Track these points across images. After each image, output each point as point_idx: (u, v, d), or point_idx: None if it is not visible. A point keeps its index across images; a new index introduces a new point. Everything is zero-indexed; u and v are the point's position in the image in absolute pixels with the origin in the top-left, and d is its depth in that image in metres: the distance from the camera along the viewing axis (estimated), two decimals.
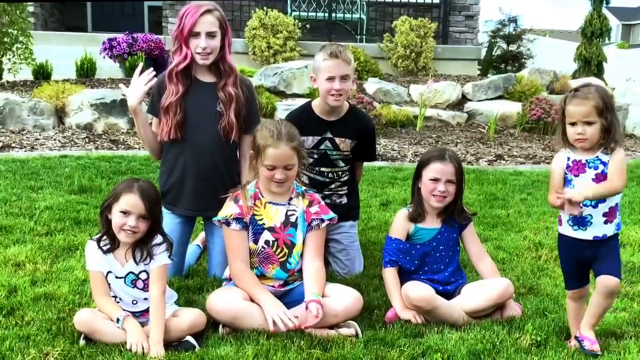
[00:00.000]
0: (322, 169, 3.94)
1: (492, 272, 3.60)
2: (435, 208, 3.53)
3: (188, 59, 3.64)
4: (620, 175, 2.82)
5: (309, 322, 3.06)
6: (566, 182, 2.93)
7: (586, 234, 2.91)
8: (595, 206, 2.88)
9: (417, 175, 3.57)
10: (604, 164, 2.84)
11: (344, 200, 4.03)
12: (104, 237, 3.07)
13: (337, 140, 3.89)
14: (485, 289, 3.37)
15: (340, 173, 3.98)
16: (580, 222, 2.91)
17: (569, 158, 2.91)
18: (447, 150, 3.57)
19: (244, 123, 3.74)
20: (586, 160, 2.87)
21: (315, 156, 3.90)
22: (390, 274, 3.52)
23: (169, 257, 3.12)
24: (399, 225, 3.60)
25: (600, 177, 2.84)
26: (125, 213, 2.98)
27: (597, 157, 2.85)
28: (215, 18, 3.63)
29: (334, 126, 3.88)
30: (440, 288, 3.46)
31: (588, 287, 3.08)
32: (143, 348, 2.84)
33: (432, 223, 3.58)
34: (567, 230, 2.96)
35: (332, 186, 3.99)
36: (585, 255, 2.95)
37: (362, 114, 4.19)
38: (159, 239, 3.11)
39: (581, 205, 2.85)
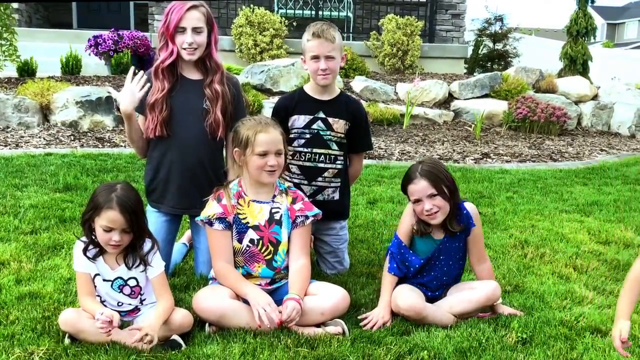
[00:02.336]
0: (315, 149, 3.80)
1: (487, 277, 3.51)
2: (436, 225, 3.38)
3: (174, 55, 3.62)
4: None
5: (290, 318, 3.04)
6: None
7: None
8: None
9: (407, 196, 3.42)
10: None
11: (337, 196, 3.91)
12: (90, 246, 3.02)
13: (330, 120, 3.80)
14: (472, 292, 3.34)
15: (333, 157, 3.84)
16: None
17: None
18: (420, 164, 3.36)
19: (230, 120, 3.72)
20: None
21: (308, 136, 3.79)
22: (390, 279, 3.42)
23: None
24: (407, 222, 3.46)
25: None
26: (107, 230, 2.93)
27: None
28: (201, 14, 3.61)
29: (327, 106, 3.82)
30: (429, 294, 3.43)
31: None
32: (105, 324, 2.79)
33: (435, 234, 3.42)
34: None
35: (326, 174, 3.84)
36: None
37: (353, 98, 4.14)
38: (148, 244, 3.08)
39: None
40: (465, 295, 3.34)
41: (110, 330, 2.80)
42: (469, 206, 3.45)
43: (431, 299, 3.40)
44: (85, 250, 3.01)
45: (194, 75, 3.73)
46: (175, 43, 3.60)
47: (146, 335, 2.80)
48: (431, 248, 3.41)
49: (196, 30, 3.59)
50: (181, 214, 3.93)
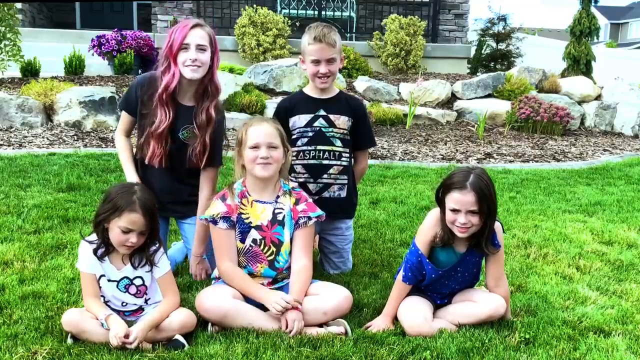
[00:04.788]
0: (319, 147, 3.80)
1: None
2: (460, 238, 3.20)
3: (177, 78, 3.53)
4: None
5: (296, 330, 3.06)
6: None
7: None
8: None
9: (441, 198, 3.19)
10: None
11: (343, 193, 3.89)
12: (101, 246, 3.03)
13: (332, 117, 3.81)
14: (476, 306, 3.26)
15: (337, 154, 3.84)
16: None
17: None
18: (472, 174, 3.10)
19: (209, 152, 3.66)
20: None
21: (310, 134, 3.80)
22: (402, 289, 3.32)
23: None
24: (428, 231, 3.24)
25: None
26: (127, 231, 2.95)
27: None
28: (206, 33, 3.55)
29: (327, 104, 3.83)
30: (438, 301, 3.39)
31: None
32: (124, 341, 2.81)
33: (458, 246, 3.27)
34: None
35: (331, 171, 3.84)
36: None
37: (353, 96, 4.17)
38: (153, 244, 3.10)
39: None
40: (468, 309, 3.27)
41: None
42: (495, 225, 3.25)
43: (438, 305, 3.38)
44: (95, 251, 3.01)
45: (188, 101, 3.66)
46: (177, 63, 3.52)
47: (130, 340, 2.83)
48: (452, 260, 3.28)
49: (200, 48, 3.52)
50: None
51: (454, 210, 3.09)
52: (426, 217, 3.31)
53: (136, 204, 2.94)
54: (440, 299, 3.40)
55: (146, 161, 3.65)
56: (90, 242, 3.04)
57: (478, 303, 3.27)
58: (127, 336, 2.82)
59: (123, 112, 3.80)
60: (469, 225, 3.09)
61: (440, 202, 3.20)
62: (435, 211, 3.26)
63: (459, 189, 3.07)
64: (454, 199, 3.09)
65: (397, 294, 3.32)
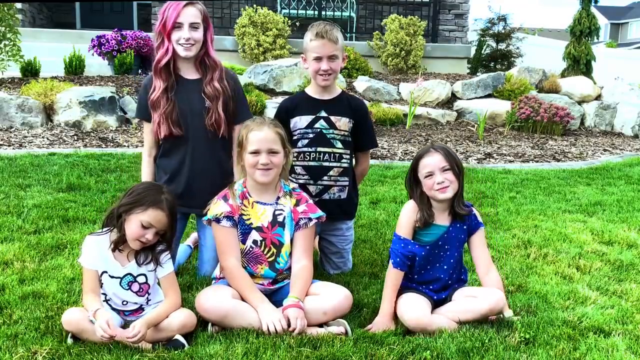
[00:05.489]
0: (319, 148, 3.79)
1: (496, 286, 3.40)
2: (444, 200, 3.34)
3: (170, 54, 3.64)
4: None
5: (298, 329, 3.06)
6: None
7: None
8: None
9: (415, 180, 3.40)
10: None
11: (344, 195, 3.89)
12: (117, 236, 3.05)
13: (333, 118, 3.80)
14: (476, 302, 3.26)
15: (338, 156, 3.83)
16: None
17: None
18: (433, 143, 3.40)
19: (232, 117, 3.74)
20: None
21: (311, 135, 3.79)
22: (394, 276, 3.36)
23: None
24: (407, 220, 3.38)
25: None
26: (147, 227, 2.98)
27: None
28: (198, 11, 3.65)
29: (328, 105, 3.83)
30: (435, 297, 3.39)
31: None
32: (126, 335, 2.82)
33: (440, 220, 3.40)
34: None
35: (331, 173, 3.82)
36: None
37: (355, 96, 4.16)
38: (162, 245, 3.11)
39: None
40: (468, 305, 3.27)
41: (111, 337, 2.80)
42: (474, 208, 3.46)
43: (437, 302, 3.38)
44: (117, 244, 3.03)
45: (192, 75, 3.75)
46: (171, 40, 3.62)
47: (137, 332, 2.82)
48: (437, 236, 3.38)
49: (193, 26, 3.62)
50: (189, 213, 3.93)
51: (429, 175, 3.32)
52: (402, 211, 3.44)
53: (163, 203, 3.01)
54: (436, 293, 3.41)
55: (154, 128, 3.71)
56: (99, 234, 3.06)
57: (478, 298, 3.29)
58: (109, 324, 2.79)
59: (144, 124, 3.85)
60: (447, 184, 3.30)
61: (413, 184, 3.41)
62: (409, 202, 3.43)
63: (426, 153, 3.36)
64: (424, 164, 3.34)
65: (391, 285, 3.35)
